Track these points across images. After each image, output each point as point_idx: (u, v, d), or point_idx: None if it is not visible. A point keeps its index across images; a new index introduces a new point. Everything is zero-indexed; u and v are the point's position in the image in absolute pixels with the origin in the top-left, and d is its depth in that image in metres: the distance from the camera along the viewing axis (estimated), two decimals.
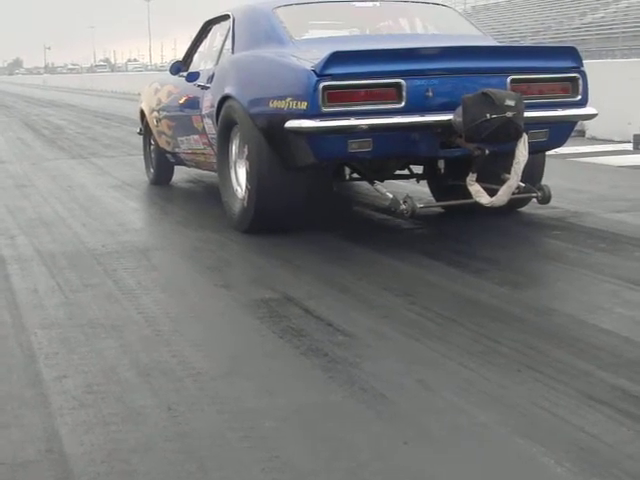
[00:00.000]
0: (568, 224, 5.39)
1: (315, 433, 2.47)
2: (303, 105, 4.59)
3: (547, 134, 5.05)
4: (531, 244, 4.89)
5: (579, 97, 5.03)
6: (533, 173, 5.35)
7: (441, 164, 5.15)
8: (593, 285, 4.00)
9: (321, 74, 4.51)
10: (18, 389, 2.87)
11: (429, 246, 4.89)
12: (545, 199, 4.95)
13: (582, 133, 11.17)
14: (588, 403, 2.60)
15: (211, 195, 6.91)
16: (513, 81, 4.82)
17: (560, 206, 5.95)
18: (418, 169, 5.64)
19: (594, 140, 10.83)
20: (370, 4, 6.06)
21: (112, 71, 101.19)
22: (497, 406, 2.62)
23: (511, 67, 4.88)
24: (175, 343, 3.28)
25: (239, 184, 5.44)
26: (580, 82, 5.01)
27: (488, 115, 4.48)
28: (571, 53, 5.05)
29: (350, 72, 4.56)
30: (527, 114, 4.66)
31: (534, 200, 5.07)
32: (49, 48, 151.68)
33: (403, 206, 4.67)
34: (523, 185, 4.93)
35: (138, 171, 8.66)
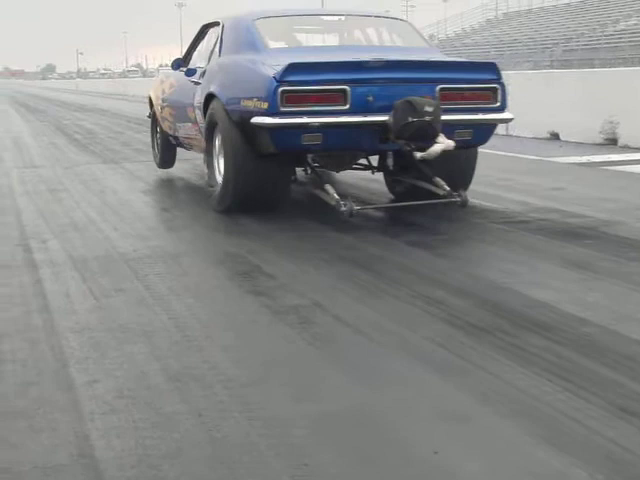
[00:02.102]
0: (600, 233, 5.35)
1: (344, 441, 2.47)
2: (265, 105, 5.57)
3: (472, 134, 5.99)
4: (561, 253, 4.85)
5: (498, 104, 5.97)
6: (465, 171, 6.52)
7: (390, 162, 6.05)
8: (625, 295, 3.97)
9: (280, 80, 5.47)
10: (50, 393, 2.89)
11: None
12: (463, 203, 5.81)
13: (614, 141, 11.10)
14: (620, 415, 2.58)
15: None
16: (441, 89, 5.73)
17: (591, 215, 5.92)
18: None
19: (627, 148, 10.75)
20: (336, 18, 7.27)
21: (144, 76, 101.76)
22: (526, 415, 2.61)
23: (440, 78, 5.80)
24: (206, 349, 3.29)
25: (220, 172, 6.39)
26: (499, 91, 5.95)
27: (410, 118, 5.44)
28: (492, 68, 6.01)
29: (304, 79, 5.52)
30: (454, 117, 5.73)
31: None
32: (82, 53, 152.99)
33: (343, 207, 5.53)
34: (447, 189, 5.86)
35: (169, 176, 8.71)
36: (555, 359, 3.08)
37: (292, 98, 5.51)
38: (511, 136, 12.37)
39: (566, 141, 11.82)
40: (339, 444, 2.45)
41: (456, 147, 5.69)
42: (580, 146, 11.16)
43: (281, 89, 5.48)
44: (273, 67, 5.65)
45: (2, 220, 6.33)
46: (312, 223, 5.86)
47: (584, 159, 9.72)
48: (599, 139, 11.34)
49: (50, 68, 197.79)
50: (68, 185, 8.28)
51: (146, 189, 7.98)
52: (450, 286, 4.13)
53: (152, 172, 9.21)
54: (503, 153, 10.22)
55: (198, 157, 8.38)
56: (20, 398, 2.85)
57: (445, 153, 5.63)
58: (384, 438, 2.49)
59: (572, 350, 3.18)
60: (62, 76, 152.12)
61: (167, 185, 8.13)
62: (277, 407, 2.72)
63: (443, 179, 5.97)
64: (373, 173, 6.79)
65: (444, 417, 2.63)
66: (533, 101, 12.30)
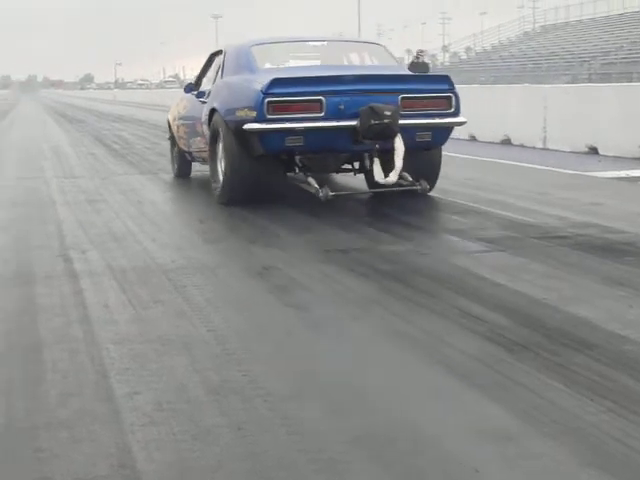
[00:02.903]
0: (639, 249, 5.30)
1: (384, 457, 2.46)
2: (254, 114, 6.69)
3: (431, 136, 7.08)
4: (600, 269, 4.81)
5: (453, 109, 7.08)
6: (431, 169, 7.47)
7: (367, 163, 7.11)
8: None
9: (265, 93, 6.60)
10: (90, 404, 2.90)
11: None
12: (424, 190, 6.94)
13: None
14: None
15: (276, 213, 6.94)
16: (403, 98, 6.83)
17: (631, 230, 5.86)
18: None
19: None
20: (319, 43, 8.58)
21: (181, 87, 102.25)
22: (569, 435, 2.58)
23: (401, 89, 6.91)
24: (245, 362, 3.29)
25: (221, 172, 7.40)
26: (453, 99, 7.07)
27: (372, 121, 6.55)
28: (446, 79, 7.22)
29: (285, 92, 6.68)
30: (415, 121, 6.86)
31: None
32: (120, 64, 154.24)
33: (321, 194, 6.70)
34: (407, 176, 6.92)
35: (204, 188, 8.74)
36: (597, 377, 3.05)
37: (276, 107, 6.64)
38: (549, 150, 12.30)
39: (605, 155, 11.73)
40: (379, 460, 2.44)
41: (419, 148, 7.07)
42: (619, 160, 11.07)
43: (267, 100, 6.61)
44: (261, 83, 6.76)
45: (43, 230, 6.40)
46: (341, 234, 5.86)
47: (623, 173, 9.64)
48: (638, 153, 11.25)
49: (88, 78, 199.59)
50: (107, 196, 8.33)
51: (182, 200, 8.04)
52: (489, 302, 4.11)
53: (188, 183, 9.26)
54: (541, 167, 10.16)
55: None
56: (61, 408, 2.86)
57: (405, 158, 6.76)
58: (424, 455, 2.47)
59: (614, 368, 3.14)
60: (100, 86, 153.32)
61: (203, 196, 8.15)
62: (316, 421, 2.71)
63: (413, 176, 7.03)
64: (355, 174, 7.77)
65: (485, 434, 2.62)
66: (571, 115, 12.24)
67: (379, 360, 3.35)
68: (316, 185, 6.86)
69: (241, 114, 6.91)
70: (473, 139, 14.39)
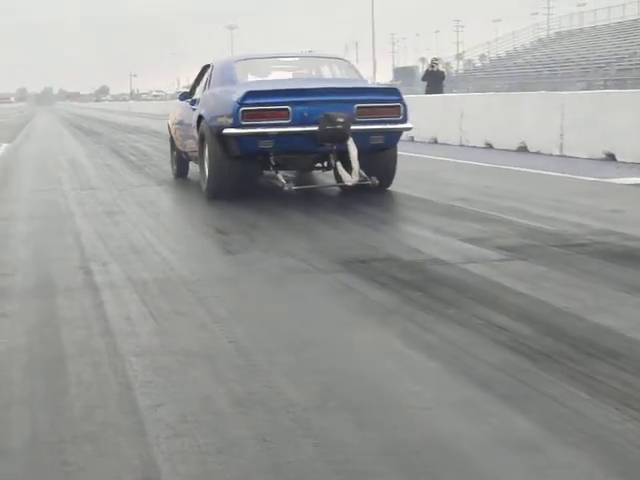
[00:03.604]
0: None
1: (411, 468, 2.45)
2: (231, 120, 7.92)
3: (383, 139, 8.27)
4: (622, 277, 4.79)
5: (401, 117, 8.25)
6: (388, 167, 8.59)
7: (332, 161, 8.24)
8: None
9: (240, 103, 7.85)
10: (114, 417, 2.91)
11: None
12: (374, 185, 8.17)
13: None
14: None
15: (297, 223, 6.95)
16: (358, 108, 8.02)
17: None
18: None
19: None
20: (291, 59, 10.27)
21: None
22: (595, 445, 2.57)
23: (357, 99, 8.12)
24: (268, 373, 3.29)
25: (207, 171, 8.52)
26: (402, 108, 8.23)
27: (327, 127, 7.78)
28: (395, 91, 8.60)
29: (258, 102, 7.92)
30: (369, 127, 8.05)
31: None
32: (135, 75, 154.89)
33: (286, 187, 8.04)
34: (363, 173, 8.06)
35: (223, 199, 8.75)
36: (622, 386, 3.03)
37: (250, 115, 7.87)
38: (566, 157, 12.27)
39: (622, 162, 11.68)
40: (405, 471, 2.44)
41: (375, 150, 8.27)
42: (637, 166, 11.01)
43: (241, 109, 7.85)
44: (237, 94, 7.99)
45: (63, 242, 6.42)
46: (356, 243, 5.86)
47: None
48: None
49: (104, 90, 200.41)
50: (124, 207, 8.36)
51: (201, 211, 8.05)
52: (511, 310, 4.10)
53: (198, 195, 9.26)
54: (558, 174, 10.13)
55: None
56: (86, 421, 2.87)
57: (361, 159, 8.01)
58: (450, 466, 2.46)
59: (639, 377, 3.13)
60: (115, 98, 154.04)
61: (222, 208, 8.17)
62: (340, 433, 2.71)
63: (372, 174, 8.20)
64: (324, 171, 9.04)
65: (510, 444, 2.61)
66: (588, 121, 12.20)
67: (401, 370, 3.34)
68: (283, 180, 8.19)
69: (221, 120, 8.16)
70: (489, 147, 14.37)
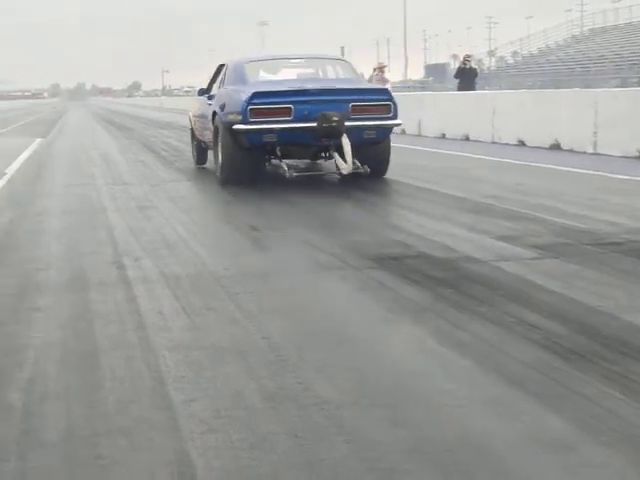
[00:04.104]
0: None
1: (444, 466, 2.45)
2: (240, 117, 8.99)
3: (375, 133, 9.23)
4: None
5: (391, 114, 9.23)
6: (382, 158, 9.57)
7: (332, 153, 9.15)
8: None
9: (248, 102, 8.91)
10: (148, 411, 2.93)
11: None
12: (366, 173, 9.11)
13: None
14: None
15: (328, 219, 6.96)
16: (353, 106, 9.00)
17: None
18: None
19: None
20: (297, 61, 11.29)
21: None
22: (629, 444, 2.55)
23: (351, 99, 9.12)
24: (300, 369, 3.30)
25: (220, 160, 9.65)
26: (391, 106, 9.21)
27: (324, 125, 8.76)
28: (386, 92, 9.78)
29: (264, 101, 8.98)
30: (363, 123, 9.02)
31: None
32: (167, 71, 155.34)
33: (287, 174, 9.02)
34: (357, 163, 9.00)
35: (255, 194, 8.77)
36: None
37: (257, 113, 8.92)
38: (599, 155, 12.17)
39: None
40: (439, 469, 2.44)
41: (368, 143, 9.21)
42: None
43: (249, 107, 8.91)
44: (246, 94, 9.07)
45: (95, 237, 6.46)
46: (388, 240, 5.85)
47: None
48: None
49: (136, 86, 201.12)
50: (157, 202, 8.40)
51: (232, 206, 8.07)
52: (543, 309, 4.08)
53: (238, 190, 9.28)
54: (592, 172, 10.06)
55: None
56: (120, 416, 2.89)
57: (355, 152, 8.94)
58: (483, 464, 2.46)
59: None
60: (147, 93, 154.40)
61: (254, 203, 8.19)
62: (372, 430, 2.71)
63: (368, 164, 9.16)
64: (326, 161, 9.97)
65: (543, 443, 2.60)
66: (622, 119, 12.10)
67: (433, 368, 3.34)
68: (285, 168, 9.17)
69: (232, 117, 9.19)
70: (521, 144, 14.28)
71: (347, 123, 8.84)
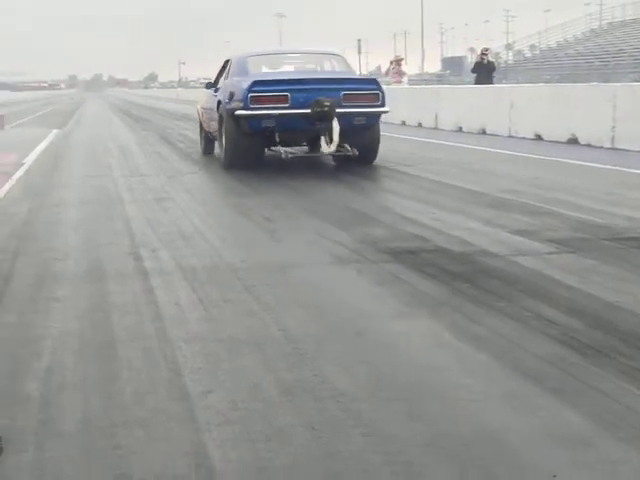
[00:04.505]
0: None
1: (461, 460, 2.45)
2: (241, 104, 9.80)
3: (365, 119, 10.02)
4: None
5: (380, 102, 10.02)
6: (372, 144, 10.31)
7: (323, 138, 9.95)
8: None
9: (249, 90, 9.72)
10: (165, 402, 2.94)
11: None
12: (354, 156, 9.89)
13: None
14: None
15: (346, 212, 6.96)
16: (344, 94, 9.82)
17: None
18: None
19: None
20: (296, 55, 12.42)
21: None
22: None
23: (343, 87, 9.98)
24: (317, 362, 3.30)
25: (224, 145, 10.48)
26: (380, 95, 10.03)
27: (317, 109, 9.56)
28: (375, 81, 10.79)
29: (263, 89, 9.81)
30: (353, 110, 9.83)
31: None
32: (184, 63, 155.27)
33: (283, 155, 9.95)
34: (347, 147, 9.87)
35: (270, 185, 8.77)
36: None
37: (257, 100, 9.74)
38: (617, 149, 12.11)
39: None
40: (455, 463, 2.44)
41: (358, 128, 9.97)
42: None
43: (250, 95, 9.72)
44: (247, 82, 9.93)
45: (112, 228, 6.48)
46: (405, 232, 5.84)
47: None
48: None
49: (152, 77, 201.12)
50: (173, 194, 8.42)
51: (248, 198, 8.06)
52: (561, 304, 4.07)
53: (254, 182, 9.29)
54: (608, 167, 10.01)
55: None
56: (137, 406, 2.90)
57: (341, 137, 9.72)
58: (500, 458, 2.46)
59: None
60: (163, 85, 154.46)
61: (270, 195, 8.19)
62: (391, 423, 2.71)
63: (356, 148, 9.91)
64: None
65: (560, 439, 2.59)
66: None
67: (450, 362, 3.33)
68: (282, 150, 10.07)
69: (234, 104, 9.98)
70: (538, 138, 14.23)
71: (339, 110, 9.66)
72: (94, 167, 11.68)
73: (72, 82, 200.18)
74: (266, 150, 10.48)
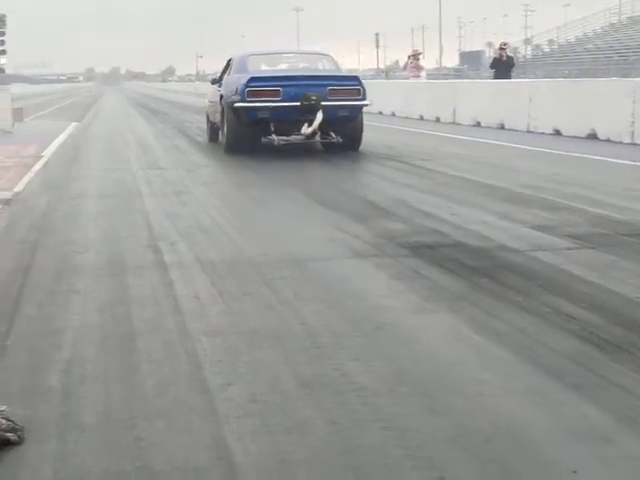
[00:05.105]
0: None
1: (481, 455, 2.45)
2: (239, 97, 11.18)
3: (348, 111, 11.40)
4: None
5: (361, 97, 11.44)
6: (355, 133, 11.68)
7: (310, 128, 11.28)
8: None
9: (246, 85, 11.15)
10: (186, 395, 2.95)
11: None
12: (338, 142, 11.37)
13: None
14: None
15: (363, 208, 6.96)
16: (329, 89, 11.24)
17: None
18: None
19: None
20: (290, 54, 14.01)
21: None
22: None
23: (329, 83, 11.44)
24: (336, 356, 3.31)
25: (225, 133, 11.92)
26: (361, 90, 11.45)
27: (305, 102, 10.99)
28: (356, 78, 12.11)
29: (258, 84, 11.23)
30: (338, 103, 11.22)
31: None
32: (201, 57, 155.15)
33: (275, 142, 11.29)
34: (333, 135, 11.40)
35: (290, 184, 8.78)
36: None
37: (253, 94, 11.15)
38: (636, 145, 12.05)
39: None
40: (475, 458, 2.44)
41: (342, 119, 11.40)
42: None
43: (247, 89, 11.16)
44: (245, 78, 11.38)
45: (132, 221, 6.51)
46: (424, 227, 5.84)
47: None
48: None
49: (170, 71, 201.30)
50: (192, 187, 8.44)
51: (266, 192, 8.08)
52: (580, 299, 4.06)
53: (272, 176, 9.31)
54: (628, 162, 9.96)
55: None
56: (158, 398, 2.92)
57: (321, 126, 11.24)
58: (520, 454, 2.46)
59: None
60: (181, 78, 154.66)
61: (288, 191, 8.20)
62: (411, 418, 2.71)
63: (341, 137, 11.40)
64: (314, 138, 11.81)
65: (580, 434, 2.59)
66: None
67: (470, 357, 3.33)
68: (275, 138, 11.39)
69: (234, 98, 11.39)
70: (557, 133, 14.17)
71: (325, 103, 11.13)
72: (113, 160, 11.72)
73: (90, 75, 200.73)
74: (262, 138, 11.76)
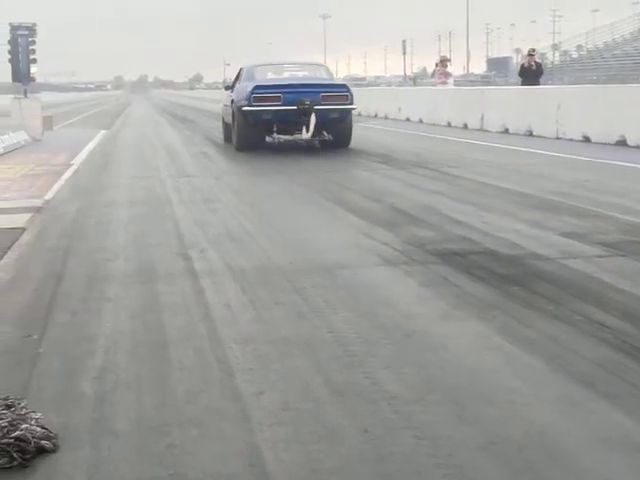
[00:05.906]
0: None
1: (514, 465, 2.45)
2: (246, 102, 13.16)
3: (339, 114, 13.34)
4: None
5: (349, 101, 13.38)
6: (345, 132, 13.63)
7: (307, 130, 13.22)
8: None
9: (252, 92, 13.15)
10: (218, 402, 2.97)
11: None
12: (329, 141, 13.41)
13: None
14: None
15: (390, 214, 6.95)
16: (322, 95, 13.14)
17: None
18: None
19: None
20: (292, 65, 15.59)
21: None
22: None
23: (322, 90, 13.34)
24: (367, 364, 3.31)
25: (235, 134, 13.84)
26: (349, 96, 13.40)
27: (300, 106, 12.91)
28: (345, 86, 14.42)
29: (263, 91, 13.20)
30: (328, 107, 13.18)
31: None
32: (229, 64, 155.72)
33: (275, 140, 13.60)
34: (325, 134, 13.40)
35: (317, 192, 8.79)
36: None
37: (257, 99, 12.98)
38: None
39: None
40: (507, 467, 2.43)
41: (334, 121, 13.32)
42: None
43: (253, 95, 13.03)
44: (251, 86, 13.28)
45: (161, 228, 6.54)
46: (450, 233, 5.83)
47: None
48: None
49: (197, 78, 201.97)
50: (221, 195, 8.47)
51: (294, 198, 8.10)
52: (612, 307, 4.04)
53: (300, 184, 9.31)
54: None
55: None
56: (190, 406, 2.93)
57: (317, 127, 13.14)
58: (554, 463, 2.45)
59: None
60: (208, 86, 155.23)
61: (316, 198, 8.20)
62: (442, 426, 2.71)
63: (332, 136, 13.44)
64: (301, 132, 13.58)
65: (615, 444, 2.58)
66: None
67: (501, 365, 3.33)
68: (275, 136, 13.49)
69: (242, 102, 13.25)
70: (586, 140, 14.10)
71: (318, 107, 12.96)
72: (142, 168, 11.80)
73: (118, 83, 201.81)
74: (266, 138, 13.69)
